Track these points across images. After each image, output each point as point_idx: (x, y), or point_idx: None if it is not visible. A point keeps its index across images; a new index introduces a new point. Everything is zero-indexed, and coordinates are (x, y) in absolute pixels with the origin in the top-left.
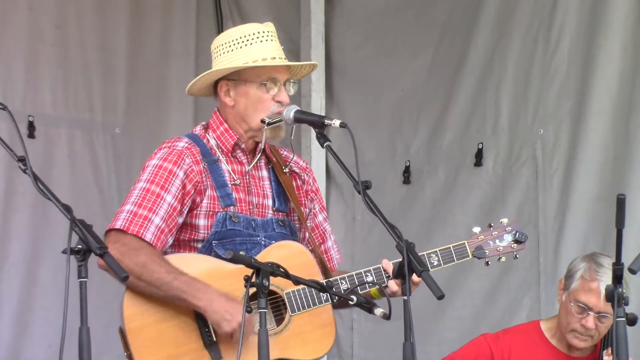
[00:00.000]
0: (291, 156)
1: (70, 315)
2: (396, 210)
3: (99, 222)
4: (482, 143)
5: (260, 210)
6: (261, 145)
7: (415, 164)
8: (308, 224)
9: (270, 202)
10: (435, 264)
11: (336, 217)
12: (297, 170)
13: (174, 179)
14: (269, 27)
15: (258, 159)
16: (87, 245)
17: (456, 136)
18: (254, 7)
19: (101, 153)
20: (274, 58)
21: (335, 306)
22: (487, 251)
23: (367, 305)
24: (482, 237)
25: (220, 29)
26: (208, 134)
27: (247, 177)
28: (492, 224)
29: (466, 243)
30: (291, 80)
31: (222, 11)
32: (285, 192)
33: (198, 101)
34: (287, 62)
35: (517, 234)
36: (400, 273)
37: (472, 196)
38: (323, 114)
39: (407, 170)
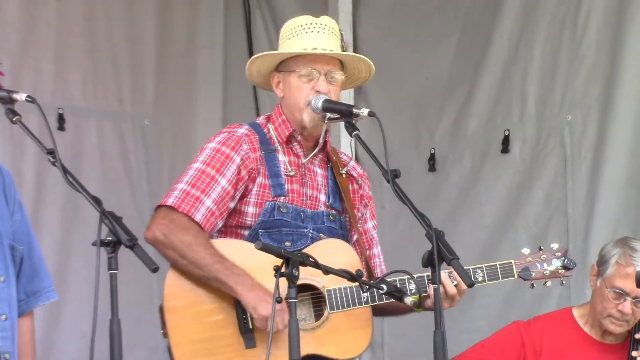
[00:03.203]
0: (349, 161)
1: (101, 306)
2: (422, 198)
3: (129, 213)
4: (508, 130)
5: (313, 202)
6: (320, 140)
7: (440, 152)
8: (358, 228)
9: (323, 197)
10: (479, 279)
11: None
12: (354, 175)
13: (230, 163)
14: (322, 19)
15: (318, 156)
16: (117, 237)
17: (481, 123)
18: None
19: (131, 144)
20: (315, 49)
21: (375, 313)
22: (533, 273)
23: (397, 293)
24: (530, 258)
25: (247, 21)
26: (269, 125)
27: (303, 169)
28: (542, 247)
29: (513, 263)
30: (335, 71)
31: (249, 2)
32: (340, 193)
33: (226, 92)
34: (320, 52)
35: (566, 260)
36: (430, 261)
37: (498, 184)
38: (352, 103)
39: (432, 158)
